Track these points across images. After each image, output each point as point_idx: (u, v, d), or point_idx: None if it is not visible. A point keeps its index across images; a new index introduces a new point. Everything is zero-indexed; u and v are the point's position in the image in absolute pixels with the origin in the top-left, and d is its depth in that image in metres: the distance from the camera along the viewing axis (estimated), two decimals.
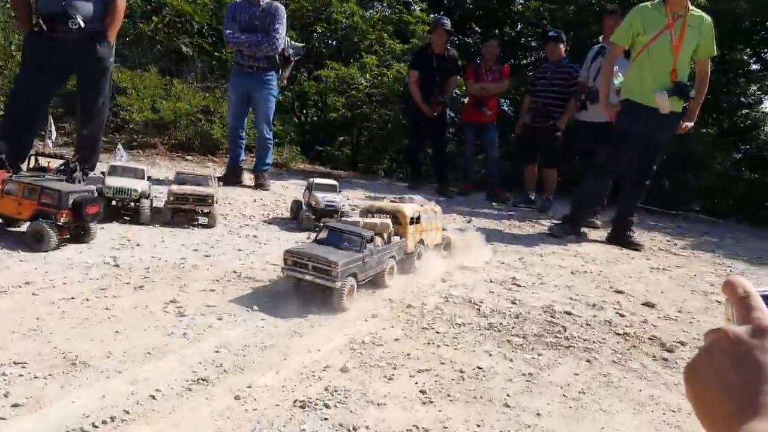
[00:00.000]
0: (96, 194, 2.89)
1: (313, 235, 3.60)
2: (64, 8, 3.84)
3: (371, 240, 2.59)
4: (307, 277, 2.36)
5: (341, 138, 9.45)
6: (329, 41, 8.86)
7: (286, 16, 5.23)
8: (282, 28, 5.15)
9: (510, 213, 5.70)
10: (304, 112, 9.40)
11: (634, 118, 4.22)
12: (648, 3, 4.22)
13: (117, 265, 2.62)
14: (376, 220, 2.84)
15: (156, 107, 6.83)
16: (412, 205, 3.12)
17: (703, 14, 4.17)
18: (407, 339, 2.17)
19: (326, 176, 6.89)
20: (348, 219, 2.93)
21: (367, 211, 3.03)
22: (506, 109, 10.00)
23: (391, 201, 3.27)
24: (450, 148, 8.40)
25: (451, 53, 6.57)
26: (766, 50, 8.70)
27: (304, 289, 2.47)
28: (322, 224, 2.77)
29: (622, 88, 4.42)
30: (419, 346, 2.11)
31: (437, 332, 2.26)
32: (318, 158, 8.62)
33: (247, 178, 5.50)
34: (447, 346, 2.14)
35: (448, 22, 6.31)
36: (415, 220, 3.02)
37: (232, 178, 5.28)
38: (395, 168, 9.58)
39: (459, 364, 1.99)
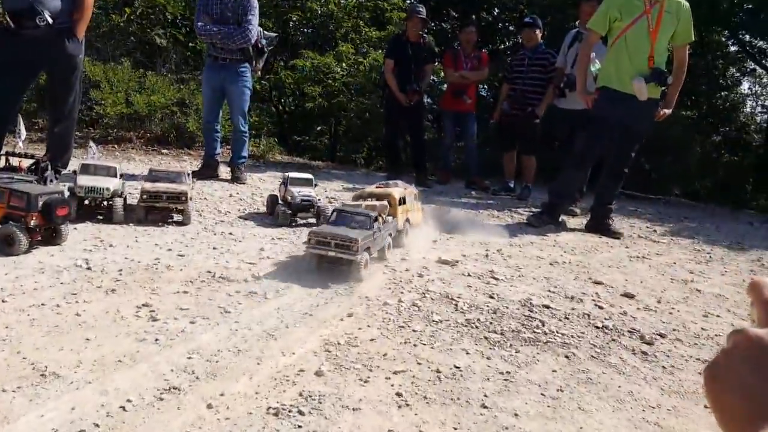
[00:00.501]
0: (66, 195, 2.80)
1: (290, 230, 3.58)
2: (31, 4, 3.71)
3: (376, 219, 2.97)
4: (331, 253, 2.71)
5: (319, 128, 9.36)
6: (305, 29, 8.73)
7: (258, 6, 5.12)
8: (255, 20, 5.06)
9: (489, 202, 5.69)
10: (282, 101, 9.28)
11: (611, 105, 4.21)
12: None
13: (89, 268, 2.55)
14: (376, 202, 3.22)
15: (130, 101, 6.69)
16: (399, 189, 3.51)
17: (685, 1, 4.14)
18: (383, 338, 2.14)
19: (303, 168, 6.84)
20: (349, 203, 3.34)
21: (359, 197, 3.42)
22: (485, 95, 9.99)
23: (377, 187, 3.63)
24: (429, 136, 8.37)
25: (427, 41, 6.50)
26: (743, 32, 8.76)
27: (325, 266, 2.77)
28: (334, 210, 3.11)
29: (599, 75, 4.41)
30: (395, 345, 2.09)
31: (414, 330, 2.24)
32: (296, 149, 8.54)
33: (224, 171, 5.42)
34: (424, 344, 2.12)
35: (423, 10, 6.23)
36: (402, 201, 3.43)
37: (207, 172, 5.21)
38: (375, 157, 9.53)
39: (436, 363, 1.97)
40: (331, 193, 5.42)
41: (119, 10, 7.71)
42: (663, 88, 4.20)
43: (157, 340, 1.95)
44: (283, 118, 9.19)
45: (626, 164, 4.42)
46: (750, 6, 7.76)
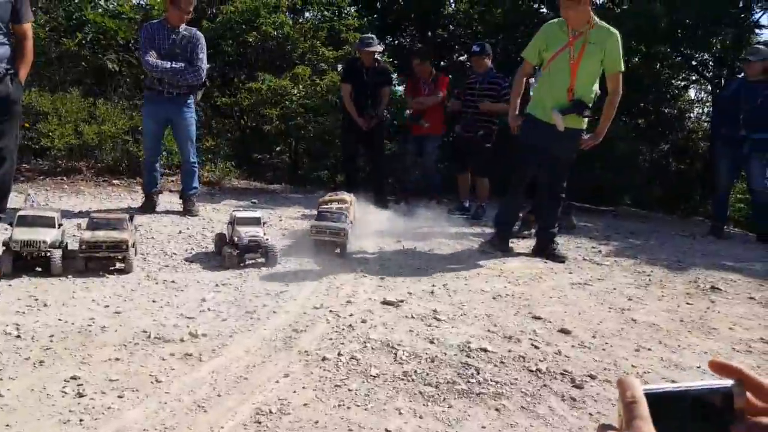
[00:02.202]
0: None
1: (236, 273, 3.56)
2: None
3: (347, 215, 4.32)
4: (326, 239, 4.14)
5: (278, 148, 9.33)
6: (260, 50, 8.68)
7: (205, 43, 5.12)
8: (205, 57, 5.09)
9: (442, 224, 5.73)
10: (244, 118, 9.19)
11: (532, 133, 4.36)
12: (556, 20, 4.31)
13: (18, 336, 2.50)
14: (342, 204, 4.54)
15: (79, 131, 6.57)
16: (348, 195, 4.86)
17: (610, 29, 4.18)
18: (317, 402, 2.16)
19: (261, 194, 6.83)
20: (324, 207, 4.46)
21: (324, 202, 4.63)
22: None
23: (330, 196, 4.86)
24: (390, 153, 8.40)
25: (381, 65, 6.57)
26: (683, 46, 9.05)
27: (320, 248, 4.15)
28: (319, 211, 4.41)
29: (529, 102, 4.52)
30: (329, 410, 2.11)
31: (349, 390, 2.26)
32: (256, 167, 8.48)
33: (174, 202, 5.38)
34: (358, 406, 2.15)
35: (372, 42, 6.26)
36: (351, 203, 4.69)
37: (150, 208, 5.20)
38: (335, 175, 9.50)
39: (367, 428, 2.00)
40: (286, 222, 5.41)
41: (71, 35, 7.56)
42: (586, 118, 4.28)
43: (81, 420, 1.92)
44: (246, 134, 9.12)
45: (560, 189, 4.55)
46: (688, 21, 8.03)
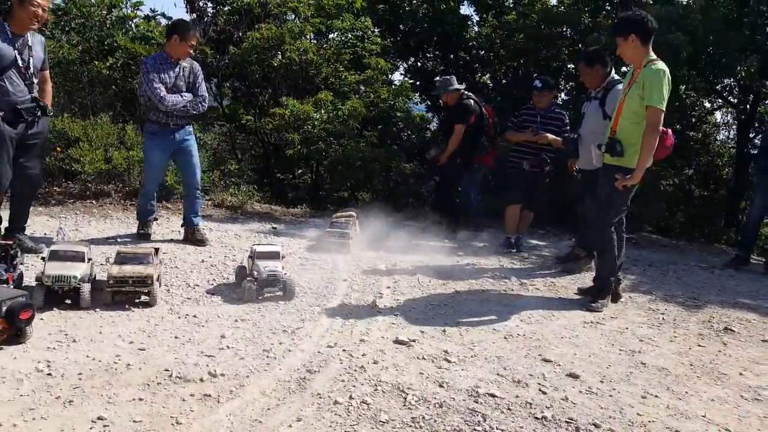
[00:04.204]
0: (28, 300, 2.91)
1: (255, 307, 3.67)
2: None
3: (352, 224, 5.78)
4: (336, 240, 5.45)
5: (299, 171, 9.53)
6: (284, 74, 8.89)
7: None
8: (205, 86, 5.32)
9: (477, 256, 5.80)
10: (265, 140, 9.40)
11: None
12: None
13: (49, 374, 2.66)
14: (350, 217, 5.98)
15: (109, 156, 6.82)
16: (354, 210, 6.37)
17: (655, 65, 4.02)
18: None
19: (281, 218, 6.96)
20: (337, 217, 6.04)
21: (337, 216, 6.07)
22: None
23: (341, 211, 6.33)
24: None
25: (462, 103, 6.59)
26: (707, 72, 9.01)
27: (332, 249, 5.39)
28: (331, 222, 5.96)
29: None
30: None
31: None
32: (276, 192, 8.66)
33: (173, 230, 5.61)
34: None
35: (447, 83, 6.55)
36: (357, 217, 6.10)
37: (146, 236, 5.35)
38: (355, 196, 9.65)
39: None
40: (303, 253, 5.52)
41: (103, 59, 7.87)
42: (617, 157, 4.17)
43: None
44: (269, 152, 9.33)
45: (601, 232, 4.38)
46: (710, 50, 8.02)
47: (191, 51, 5.22)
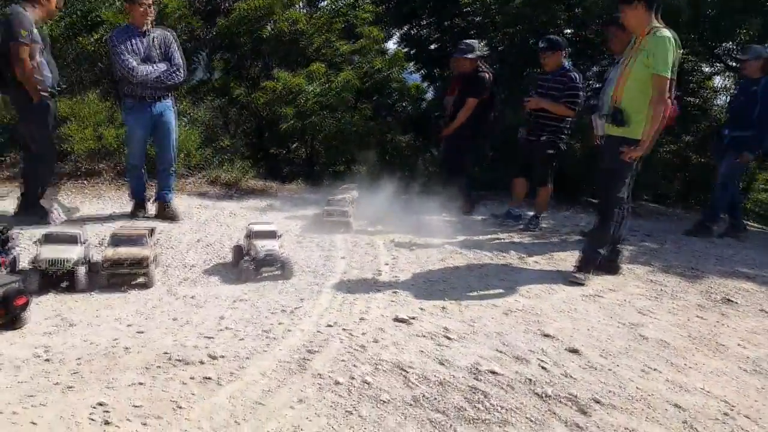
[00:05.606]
0: (21, 286, 2.88)
1: (253, 287, 3.64)
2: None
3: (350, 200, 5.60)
4: (334, 219, 5.31)
5: (294, 145, 9.42)
6: (274, 45, 8.70)
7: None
8: (181, 55, 5.18)
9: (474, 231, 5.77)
10: (258, 113, 9.26)
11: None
12: None
13: (48, 360, 2.64)
14: (347, 194, 5.76)
15: (98, 135, 6.70)
16: (354, 186, 6.27)
17: (660, 32, 3.92)
18: (329, 429, 2.25)
19: (277, 194, 6.90)
20: (335, 195, 5.74)
21: (336, 193, 5.89)
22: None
23: (342, 188, 6.13)
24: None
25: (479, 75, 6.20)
26: (706, 36, 8.88)
27: (331, 228, 5.27)
28: (329, 199, 5.67)
29: None
30: None
31: (360, 416, 2.35)
32: (270, 168, 8.57)
33: (192, 205, 5.49)
34: None
35: (470, 48, 6.15)
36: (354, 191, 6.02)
37: (142, 214, 5.31)
38: (350, 169, 9.57)
39: None
40: (297, 228, 5.48)
41: (87, 34, 7.67)
42: (620, 126, 4.08)
43: None
44: (262, 126, 9.20)
45: (604, 204, 4.38)
46: (709, 12, 7.89)
47: (150, 13, 5.04)
